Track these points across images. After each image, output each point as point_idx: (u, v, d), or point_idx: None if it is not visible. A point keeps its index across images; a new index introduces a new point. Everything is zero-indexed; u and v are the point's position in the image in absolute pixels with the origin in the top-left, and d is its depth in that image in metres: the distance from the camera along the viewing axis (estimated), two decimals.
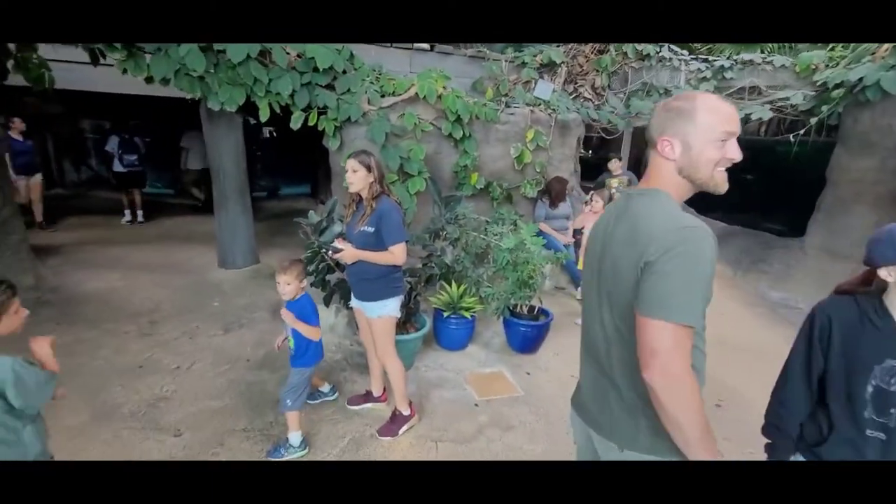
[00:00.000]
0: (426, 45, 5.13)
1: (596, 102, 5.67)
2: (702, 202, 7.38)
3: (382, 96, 3.83)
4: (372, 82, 3.83)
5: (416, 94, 3.83)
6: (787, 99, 5.25)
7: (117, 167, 6.59)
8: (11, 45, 3.71)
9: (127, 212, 6.71)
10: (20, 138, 5.92)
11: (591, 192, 5.04)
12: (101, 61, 3.48)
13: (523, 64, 5.38)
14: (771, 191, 6.85)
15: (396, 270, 2.45)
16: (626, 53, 5.81)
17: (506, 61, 5.37)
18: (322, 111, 3.67)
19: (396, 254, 2.33)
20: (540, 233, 4.10)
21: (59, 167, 9.41)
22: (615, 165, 5.79)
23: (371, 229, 2.32)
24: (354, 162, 2.31)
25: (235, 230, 4.75)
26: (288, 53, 3.47)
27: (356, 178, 2.31)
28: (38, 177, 6.09)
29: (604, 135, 5.76)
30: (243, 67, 3.35)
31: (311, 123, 3.65)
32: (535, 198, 4.87)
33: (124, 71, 3.30)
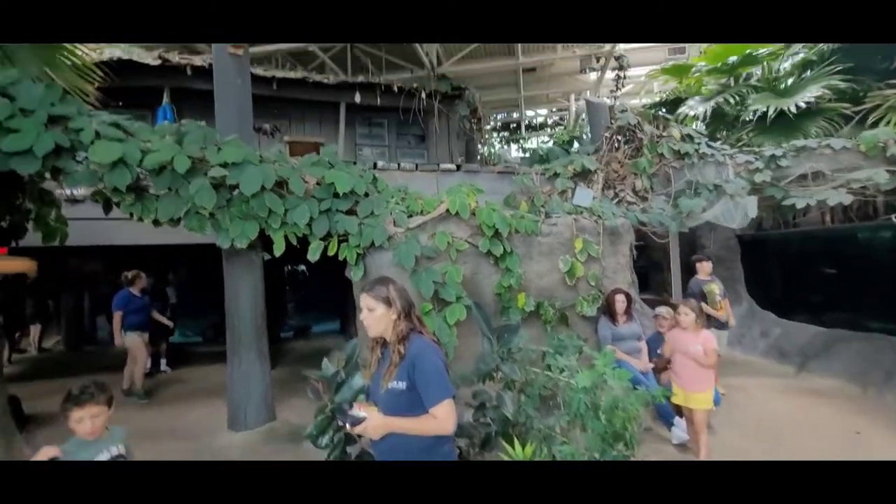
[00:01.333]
0: (452, 165, 4.97)
1: (640, 206, 5.20)
2: (785, 304, 6.38)
3: (410, 216, 3.42)
4: (398, 203, 3.46)
5: (447, 210, 3.41)
6: (865, 180, 4.63)
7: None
8: (30, 204, 3.65)
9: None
10: (139, 294, 5.41)
11: (660, 306, 4.27)
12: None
13: (555, 175, 5.09)
14: (863, 283, 5.84)
15: (445, 442, 1.66)
16: (661, 155, 5.51)
17: (536, 174, 5.11)
18: (343, 238, 3.25)
19: (442, 418, 1.57)
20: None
21: (92, 323, 9.41)
22: (705, 268, 4.79)
23: (402, 385, 1.61)
24: (368, 298, 1.69)
25: (248, 383, 4.08)
26: (306, 182, 3.19)
27: (374, 318, 1.68)
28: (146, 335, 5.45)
29: (655, 238, 5.17)
30: (257, 200, 3.05)
31: (331, 253, 3.20)
32: (594, 316, 4.10)
33: (130, 215, 3.04)
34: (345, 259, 3.28)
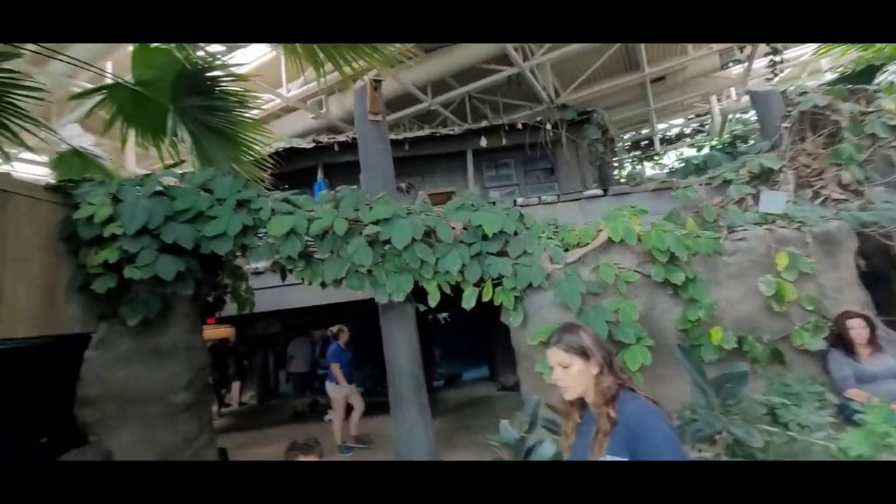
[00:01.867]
0: (597, 191, 4.54)
1: (854, 202, 4.06)
2: None
3: (566, 250, 3.09)
4: (549, 237, 3.17)
5: (609, 238, 3.00)
6: None
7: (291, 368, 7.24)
8: (227, 280, 4.28)
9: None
10: (344, 347, 5.57)
11: None
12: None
13: (726, 182, 4.30)
14: None
15: None
16: (873, 135, 4.32)
17: (700, 185, 4.38)
18: (497, 282, 3.05)
19: None
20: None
21: (276, 379, 10.78)
22: None
23: (623, 459, 1.25)
24: (559, 352, 1.37)
25: (412, 436, 4.01)
26: (453, 228, 3.11)
27: (571, 377, 1.35)
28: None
29: (887, 241, 3.93)
30: (409, 252, 3.04)
31: (485, 298, 3.02)
32: (822, 350, 3.16)
33: (302, 280, 3.28)
34: (497, 304, 3.06)
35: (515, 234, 3.14)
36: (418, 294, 3.21)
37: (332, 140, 7.57)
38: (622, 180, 9.26)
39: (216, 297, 4.28)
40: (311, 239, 3.22)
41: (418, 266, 3.06)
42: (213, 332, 9.57)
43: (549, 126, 7.30)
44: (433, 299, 3.06)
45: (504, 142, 7.68)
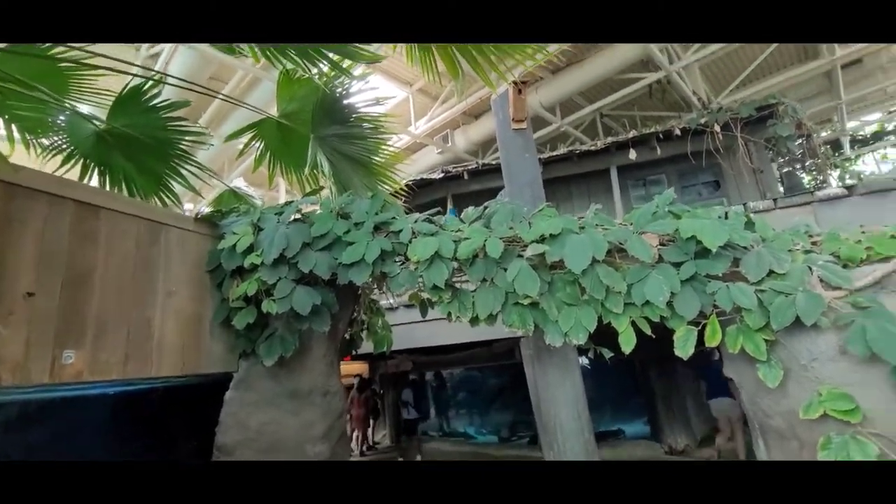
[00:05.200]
0: (839, 190, 3.25)
1: None
2: None
3: (845, 266, 2.00)
4: (808, 250, 2.11)
5: None
6: None
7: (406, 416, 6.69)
8: (363, 315, 3.95)
9: None
10: None
11: None
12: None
13: None
14: None
15: None
16: None
17: None
18: (728, 317, 2.07)
19: None
20: None
21: (404, 419, 10.49)
22: None
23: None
24: None
25: None
26: (651, 245, 2.25)
27: None
28: None
29: None
30: (589, 277, 2.26)
31: (712, 342, 2.05)
32: None
33: (448, 315, 2.68)
34: (735, 350, 2.06)
35: (747, 248, 2.15)
36: (601, 335, 2.38)
37: (460, 168, 7.25)
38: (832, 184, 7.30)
39: (352, 335, 3.95)
40: (459, 265, 2.63)
41: (603, 296, 2.24)
42: (346, 367, 9.71)
43: (717, 128, 5.99)
44: (627, 342, 2.19)
45: (659, 152, 6.54)
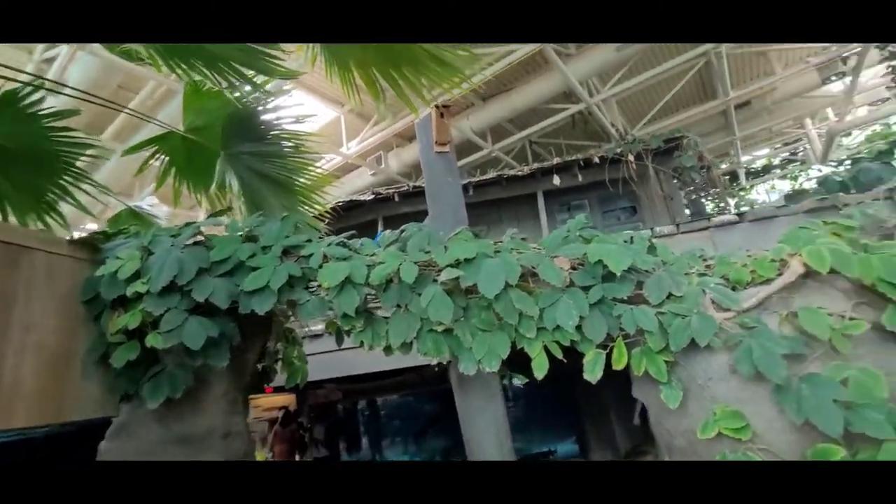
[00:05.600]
0: (731, 216, 3.54)
1: None
2: None
3: (733, 288, 2.12)
4: (703, 273, 2.23)
5: (805, 268, 2.01)
6: None
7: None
8: (278, 345, 3.66)
9: None
10: None
11: None
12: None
13: None
14: None
15: None
16: None
17: (881, 198, 3.25)
18: (632, 340, 2.11)
19: None
20: None
21: (337, 452, 9.90)
22: None
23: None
24: None
25: None
26: (562, 269, 2.27)
27: None
28: None
29: None
30: (502, 302, 2.22)
31: (618, 365, 2.08)
32: None
33: (361, 344, 2.53)
34: (639, 372, 2.09)
35: (649, 272, 2.23)
36: (515, 360, 2.34)
37: (391, 190, 7.17)
38: (730, 210, 8.03)
39: (265, 367, 3.64)
40: (373, 291, 2.50)
41: (516, 321, 2.21)
42: (271, 400, 9.05)
43: (631, 157, 6.43)
44: (539, 367, 2.17)
45: (580, 179, 6.88)
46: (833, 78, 8.64)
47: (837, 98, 10.15)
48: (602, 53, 7.05)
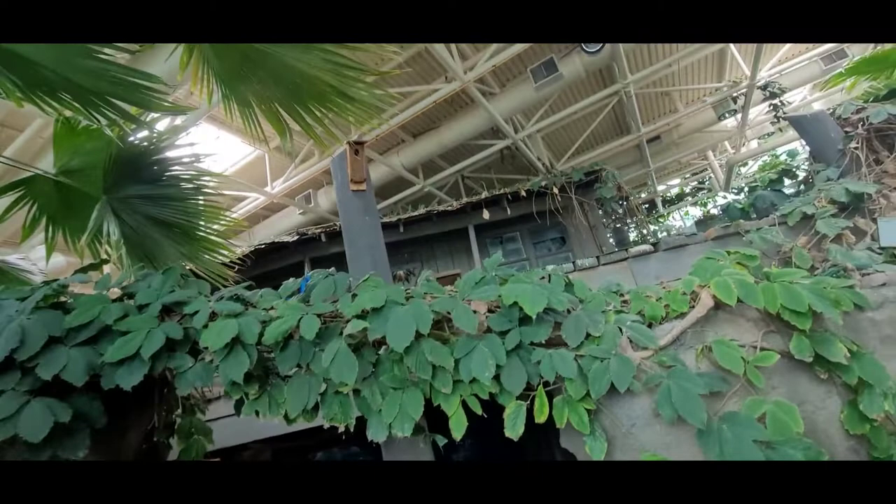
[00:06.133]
0: (646, 247, 3.61)
1: None
2: None
3: (649, 325, 2.05)
4: (620, 310, 2.15)
5: (715, 300, 1.98)
6: None
7: None
8: (171, 416, 3.16)
9: None
10: None
11: None
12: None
13: (806, 218, 3.39)
14: None
15: None
16: None
17: (769, 225, 3.46)
18: (553, 388, 1.96)
19: None
20: None
21: None
22: None
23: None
24: None
25: None
26: (475, 312, 2.10)
27: None
28: None
29: None
30: (413, 355, 2.00)
31: (541, 417, 1.91)
32: None
33: (256, 414, 2.18)
34: (560, 425, 1.93)
35: (568, 311, 2.12)
36: (434, 420, 2.11)
37: (317, 230, 6.83)
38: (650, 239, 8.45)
39: (157, 442, 3.10)
40: (268, 350, 2.19)
41: (429, 375, 1.99)
42: None
43: (556, 190, 6.61)
44: (457, 426, 1.94)
45: (509, 212, 6.95)
46: (727, 115, 9.62)
47: (732, 132, 11.30)
48: (522, 92, 7.33)
